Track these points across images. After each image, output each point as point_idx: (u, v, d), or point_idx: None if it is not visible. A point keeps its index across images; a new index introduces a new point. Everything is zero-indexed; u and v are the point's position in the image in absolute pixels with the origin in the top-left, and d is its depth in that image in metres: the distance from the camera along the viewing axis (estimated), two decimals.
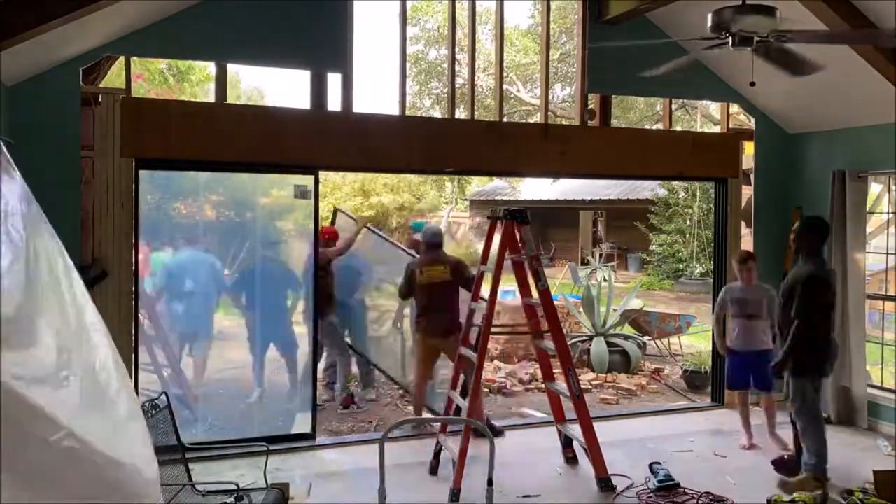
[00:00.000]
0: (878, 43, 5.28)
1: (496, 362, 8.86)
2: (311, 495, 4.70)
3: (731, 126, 7.35)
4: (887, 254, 6.52)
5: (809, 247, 4.97)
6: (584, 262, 18.05)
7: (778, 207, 7.05)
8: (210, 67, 9.34)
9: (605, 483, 4.86)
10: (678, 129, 12.70)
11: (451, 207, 24.40)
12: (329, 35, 5.56)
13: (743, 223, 7.36)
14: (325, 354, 7.22)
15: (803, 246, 5.03)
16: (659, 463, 5.14)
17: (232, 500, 3.67)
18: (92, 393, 2.37)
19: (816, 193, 6.72)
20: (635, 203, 18.98)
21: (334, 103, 5.74)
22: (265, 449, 4.14)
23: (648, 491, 4.84)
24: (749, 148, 7.20)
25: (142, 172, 5.29)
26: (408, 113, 6.10)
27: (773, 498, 4.60)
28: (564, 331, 5.79)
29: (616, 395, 7.82)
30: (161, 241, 6.22)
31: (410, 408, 6.66)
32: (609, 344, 8.91)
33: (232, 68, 6.46)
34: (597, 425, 5.03)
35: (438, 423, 5.48)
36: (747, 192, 7.33)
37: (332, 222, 8.54)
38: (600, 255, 17.69)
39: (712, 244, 8.21)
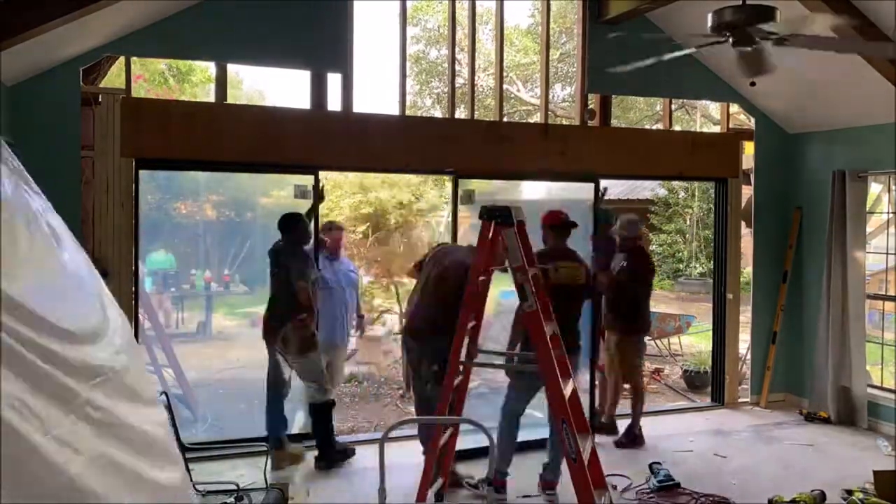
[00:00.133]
0: (881, 55, 5.27)
1: None
2: (310, 495, 4.71)
3: (731, 126, 7.36)
4: (887, 254, 6.52)
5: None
6: None
7: (778, 207, 7.05)
8: (211, 68, 9.33)
9: None
10: (678, 129, 12.69)
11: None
12: (329, 35, 5.56)
13: (743, 223, 7.37)
14: None
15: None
16: (659, 463, 5.14)
17: (232, 500, 3.67)
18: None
19: (816, 193, 6.72)
20: (635, 203, 18.94)
21: (334, 103, 5.74)
22: (265, 449, 4.13)
23: (649, 491, 4.84)
24: (749, 148, 7.20)
25: (142, 172, 5.29)
26: (408, 113, 6.10)
27: (773, 498, 4.60)
28: None
29: None
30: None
31: (411, 408, 6.66)
32: None
33: (233, 69, 6.46)
34: None
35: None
36: (747, 192, 7.33)
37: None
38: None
39: (712, 244, 8.22)
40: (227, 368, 6.52)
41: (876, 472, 4.76)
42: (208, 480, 4.23)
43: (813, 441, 5.96)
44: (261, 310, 5.66)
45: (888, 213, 6.67)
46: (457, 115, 6.23)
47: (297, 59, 5.58)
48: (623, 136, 6.99)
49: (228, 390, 6.41)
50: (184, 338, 7.34)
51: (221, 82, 5.64)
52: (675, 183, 16.47)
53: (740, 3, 3.97)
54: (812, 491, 4.65)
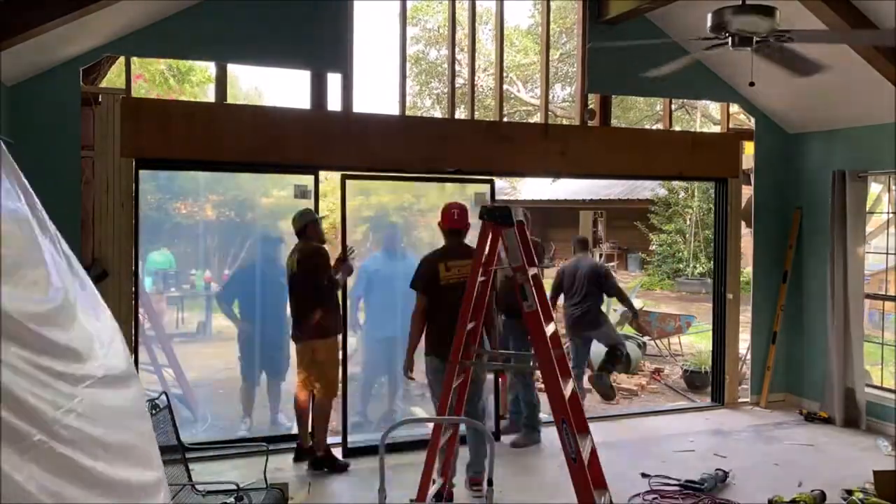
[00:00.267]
0: (878, 43, 5.28)
1: None
2: (310, 495, 4.71)
3: (731, 126, 7.36)
4: (887, 254, 6.52)
5: None
6: None
7: (778, 207, 7.05)
8: (210, 68, 9.34)
9: None
10: (678, 129, 12.70)
11: None
12: (329, 35, 5.56)
13: (743, 223, 7.36)
14: None
15: None
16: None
17: (232, 500, 3.66)
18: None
19: (816, 193, 6.72)
20: (635, 203, 18.96)
21: (334, 103, 5.74)
22: (265, 449, 4.13)
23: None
24: (749, 148, 7.20)
25: (142, 172, 5.29)
26: (408, 113, 6.10)
27: (773, 498, 4.60)
28: (563, 332, 5.64)
29: (616, 395, 7.81)
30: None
31: (412, 408, 6.65)
32: None
33: (232, 69, 6.45)
34: (597, 425, 5.02)
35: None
36: (747, 192, 7.33)
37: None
38: (600, 255, 17.69)
39: (712, 244, 8.22)
40: (227, 368, 6.50)
41: (876, 472, 4.76)
42: (208, 480, 4.22)
43: (813, 441, 5.96)
44: None
45: (888, 213, 6.67)
46: (457, 116, 6.23)
47: (297, 59, 5.58)
48: (623, 136, 6.99)
49: (228, 390, 6.40)
50: (184, 338, 7.32)
51: (221, 82, 5.64)
52: (675, 183, 16.47)
53: (740, 3, 3.97)
54: (812, 491, 4.65)
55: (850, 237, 6.28)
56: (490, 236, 3.94)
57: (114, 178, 5.15)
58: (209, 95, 7.63)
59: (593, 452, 3.87)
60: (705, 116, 16.74)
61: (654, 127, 13.04)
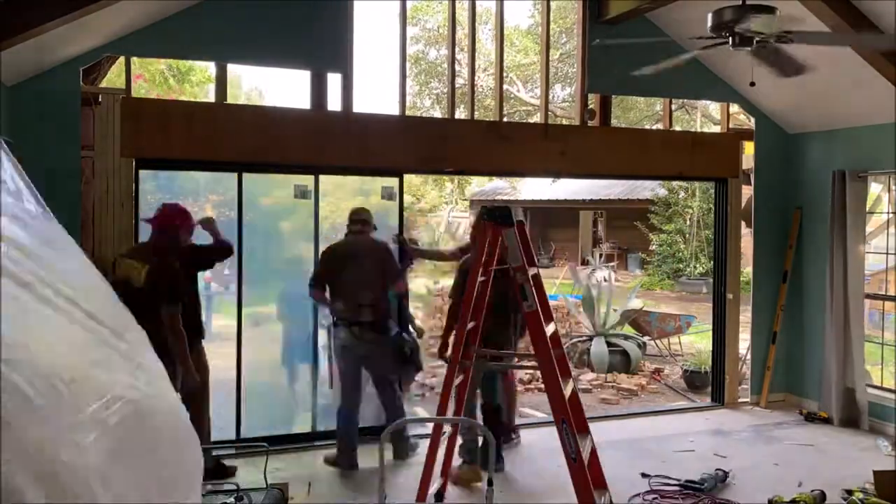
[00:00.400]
0: (879, 46, 5.27)
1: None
2: (311, 495, 4.71)
3: (731, 126, 7.36)
4: (887, 254, 6.52)
5: None
6: (584, 263, 18.04)
7: (778, 207, 7.05)
8: (210, 68, 9.35)
9: None
10: (678, 129, 12.70)
11: (452, 207, 24.41)
12: (329, 35, 5.56)
13: (743, 223, 7.37)
14: None
15: None
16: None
17: (232, 500, 3.66)
18: None
19: (816, 193, 6.72)
20: (635, 203, 18.98)
21: (334, 103, 5.74)
22: (265, 449, 4.13)
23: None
24: (749, 148, 7.20)
25: (142, 172, 5.29)
26: (408, 113, 6.10)
27: (773, 498, 4.60)
28: (563, 332, 5.62)
29: (616, 395, 7.82)
30: None
31: (413, 408, 6.66)
32: (609, 344, 8.91)
33: (232, 69, 6.45)
34: (597, 425, 5.02)
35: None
36: (747, 192, 7.33)
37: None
38: (600, 255, 17.69)
39: (712, 244, 8.22)
40: (227, 368, 6.50)
41: (876, 472, 4.76)
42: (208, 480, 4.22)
43: (813, 441, 5.96)
44: (261, 309, 5.65)
45: (888, 213, 6.67)
46: (457, 116, 6.23)
47: (297, 59, 5.58)
48: (623, 136, 6.99)
49: (228, 390, 6.40)
50: None
51: (221, 82, 5.64)
52: (675, 183, 16.48)
53: (740, 3, 3.97)
54: (812, 491, 4.65)
55: (850, 237, 6.28)
56: (490, 236, 3.96)
57: (114, 178, 5.15)
58: (209, 95, 7.64)
59: (593, 452, 3.88)
60: (705, 116, 16.74)
61: (654, 127, 13.03)
